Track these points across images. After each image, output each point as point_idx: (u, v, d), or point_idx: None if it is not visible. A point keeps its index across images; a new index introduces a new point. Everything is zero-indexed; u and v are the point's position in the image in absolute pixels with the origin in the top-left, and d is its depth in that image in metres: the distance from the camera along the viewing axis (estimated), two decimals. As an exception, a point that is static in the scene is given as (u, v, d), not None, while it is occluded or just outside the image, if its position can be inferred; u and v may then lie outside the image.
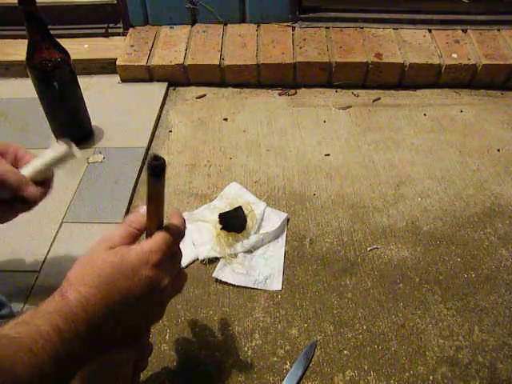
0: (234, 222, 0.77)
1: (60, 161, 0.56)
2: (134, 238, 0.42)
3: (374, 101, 1.09)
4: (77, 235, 0.79)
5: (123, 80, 1.13)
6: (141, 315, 0.41)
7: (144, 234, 0.44)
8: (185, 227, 0.44)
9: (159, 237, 0.41)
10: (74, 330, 0.35)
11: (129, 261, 0.38)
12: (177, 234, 0.43)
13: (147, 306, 0.41)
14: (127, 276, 0.38)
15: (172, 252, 0.42)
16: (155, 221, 0.42)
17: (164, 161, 0.37)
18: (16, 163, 0.55)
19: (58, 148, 0.54)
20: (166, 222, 0.43)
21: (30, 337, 0.33)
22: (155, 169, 0.37)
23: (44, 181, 0.55)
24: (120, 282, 0.38)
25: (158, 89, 1.11)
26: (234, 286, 0.72)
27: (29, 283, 0.71)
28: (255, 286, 0.72)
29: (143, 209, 0.43)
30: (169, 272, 0.41)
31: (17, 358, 0.32)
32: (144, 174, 0.91)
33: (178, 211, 0.44)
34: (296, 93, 1.12)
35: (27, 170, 0.55)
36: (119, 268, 0.38)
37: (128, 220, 0.43)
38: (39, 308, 0.36)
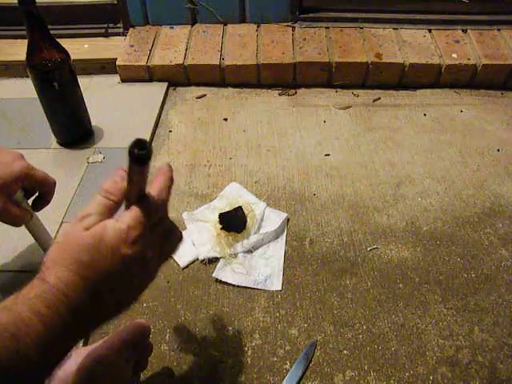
0: (234, 222, 0.77)
1: None
2: (111, 211, 0.40)
3: (374, 101, 1.09)
4: (77, 235, 0.78)
5: (123, 80, 1.13)
6: (126, 290, 0.40)
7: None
8: (172, 178, 0.41)
9: (137, 211, 0.39)
10: (57, 315, 0.35)
11: (106, 241, 0.37)
12: (160, 197, 0.40)
13: (131, 280, 0.40)
14: (106, 257, 0.37)
15: (154, 221, 0.40)
16: (136, 191, 0.39)
17: (150, 149, 0.34)
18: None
19: None
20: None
21: (12, 323, 0.33)
22: (141, 159, 0.34)
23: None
24: (99, 263, 0.37)
25: (158, 89, 1.11)
26: (234, 285, 0.72)
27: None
28: (255, 286, 0.72)
29: (120, 175, 0.40)
30: (151, 244, 0.40)
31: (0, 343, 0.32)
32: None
33: (164, 168, 0.42)
34: (296, 93, 1.12)
35: None
36: (97, 250, 0.37)
37: (105, 191, 0.40)
38: (20, 294, 0.36)
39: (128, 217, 0.39)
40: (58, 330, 0.35)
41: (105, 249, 0.37)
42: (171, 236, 0.44)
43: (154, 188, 0.41)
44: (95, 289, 0.37)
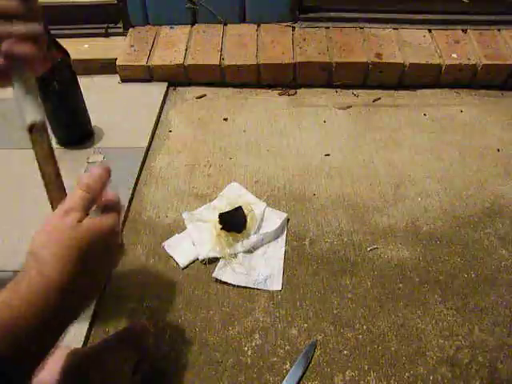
0: (234, 221, 0.77)
1: None
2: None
3: (374, 101, 1.09)
4: (77, 235, 0.78)
5: (123, 80, 1.13)
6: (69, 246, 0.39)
7: None
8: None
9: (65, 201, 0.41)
10: (36, 272, 0.36)
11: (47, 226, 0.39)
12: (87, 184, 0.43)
13: (67, 236, 0.39)
14: (48, 232, 0.39)
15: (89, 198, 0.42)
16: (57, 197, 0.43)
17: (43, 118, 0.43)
18: None
19: None
20: None
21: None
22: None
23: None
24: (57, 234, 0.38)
25: (158, 89, 1.11)
26: (234, 286, 0.72)
27: (29, 283, 0.71)
28: (255, 286, 0.72)
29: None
30: (83, 208, 0.41)
31: None
32: (144, 174, 0.91)
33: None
34: (296, 93, 1.12)
35: None
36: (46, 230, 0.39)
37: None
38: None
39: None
40: (42, 287, 0.35)
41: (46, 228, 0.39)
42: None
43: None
44: (64, 249, 0.37)
